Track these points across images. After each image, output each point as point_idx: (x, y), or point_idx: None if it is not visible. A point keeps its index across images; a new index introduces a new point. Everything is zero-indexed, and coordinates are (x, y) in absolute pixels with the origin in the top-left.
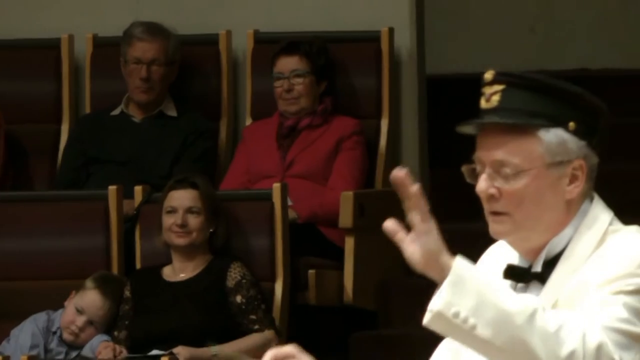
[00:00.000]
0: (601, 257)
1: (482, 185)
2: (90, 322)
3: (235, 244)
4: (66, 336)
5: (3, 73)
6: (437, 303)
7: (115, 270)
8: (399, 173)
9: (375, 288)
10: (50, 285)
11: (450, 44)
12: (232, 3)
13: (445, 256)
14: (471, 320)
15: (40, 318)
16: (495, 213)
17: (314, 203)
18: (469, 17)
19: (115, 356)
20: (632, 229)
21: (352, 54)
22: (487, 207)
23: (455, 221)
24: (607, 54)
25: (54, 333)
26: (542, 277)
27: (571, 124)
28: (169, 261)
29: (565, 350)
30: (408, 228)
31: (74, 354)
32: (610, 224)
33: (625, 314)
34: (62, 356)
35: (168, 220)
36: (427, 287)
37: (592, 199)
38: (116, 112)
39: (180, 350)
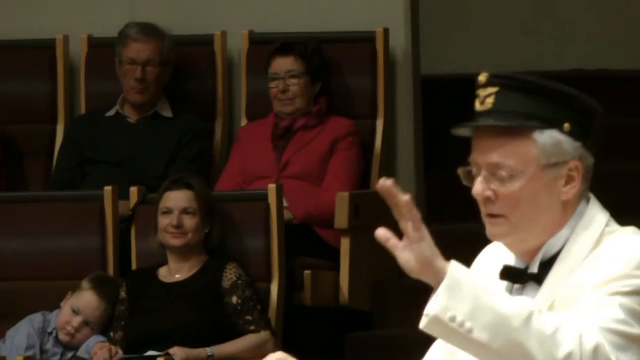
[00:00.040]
0: (597, 258)
1: (478, 187)
2: (86, 323)
3: (231, 244)
4: (62, 337)
5: None
6: (433, 307)
7: (110, 270)
8: (385, 183)
9: (371, 289)
10: (46, 286)
11: (445, 44)
12: (227, 4)
13: (440, 261)
14: (467, 324)
15: (36, 319)
16: (492, 215)
17: (309, 204)
18: (464, 17)
19: (111, 357)
20: (629, 230)
21: (347, 55)
22: (483, 209)
23: (450, 222)
24: (604, 55)
25: (50, 334)
26: (538, 278)
27: (566, 125)
28: (164, 262)
29: (562, 352)
30: (400, 233)
31: (69, 354)
32: (607, 225)
33: (621, 315)
34: (57, 357)
35: (163, 221)
36: (422, 288)
37: (588, 200)
38: (111, 112)
39: (175, 351)
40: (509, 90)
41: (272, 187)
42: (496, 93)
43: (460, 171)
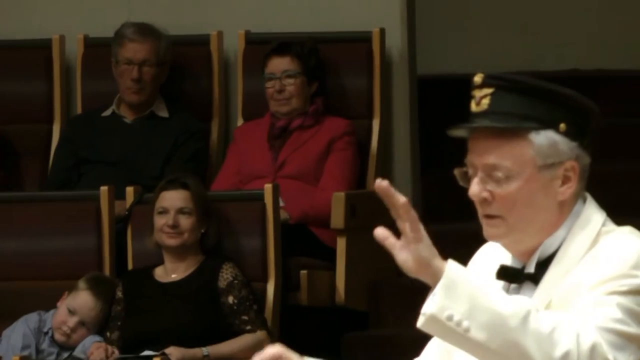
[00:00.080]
0: (594, 258)
1: (475, 189)
2: (82, 323)
3: (227, 244)
4: (58, 337)
5: None
6: (430, 306)
7: (107, 270)
8: (382, 184)
9: (367, 288)
10: (42, 286)
11: (441, 44)
12: (224, 4)
13: (437, 260)
14: (465, 324)
15: (32, 318)
16: (489, 216)
17: (305, 204)
18: (460, 17)
19: (107, 357)
20: (625, 229)
21: (343, 55)
22: (480, 210)
23: (447, 221)
24: (601, 55)
25: (46, 333)
26: (535, 278)
27: (562, 126)
28: (160, 261)
29: (559, 351)
30: (398, 232)
31: (65, 354)
32: (603, 224)
33: (619, 315)
34: (53, 357)
35: (159, 221)
36: (418, 287)
37: (584, 200)
38: (107, 112)
39: (172, 351)
40: (505, 91)
41: (268, 187)
42: (492, 94)
43: (456, 172)
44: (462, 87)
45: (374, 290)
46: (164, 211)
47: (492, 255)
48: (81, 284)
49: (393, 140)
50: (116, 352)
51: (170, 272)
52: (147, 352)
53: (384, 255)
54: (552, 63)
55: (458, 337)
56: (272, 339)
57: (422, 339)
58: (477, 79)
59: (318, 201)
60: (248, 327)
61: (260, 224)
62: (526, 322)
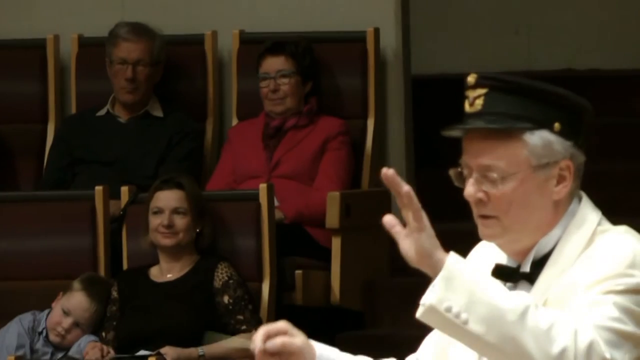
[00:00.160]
0: (590, 258)
1: (470, 190)
2: (76, 324)
3: (222, 244)
4: (52, 337)
5: None
6: (429, 297)
7: (101, 270)
8: (388, 172)
9: (362, 288)
10: (37, 286)
11: (436, 44)
12: (218, 3)
13: (439, 252)
14: (463, 316)
15: (26, 318)
16: (484, 217)
17: (300, 203)
18: (454, 17)
19: (102, 356)
20: (621, 229)
21: (337, 54)
22: (475, 210)
23: (441, 221)
24: (595, 55)
25: (40, 333)
26: (530, 278)
27: (556, 125)
28: (155, 261)
29: (556, 348)
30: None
31: (59, 354)
32: (599, 224)
33: (616, 313)
34: (47, 356)
35: (154, 221)
36: (413, 287)
37: (580, 199)
38: (102, 112)
39: (167, 351)
40: (498, 92)
41: (263, 186)
42: (485, 95)
43: (451, 172)
44: (457, 87)
45: (369, 289)
46: (159, 211)
47: (487, 254)
48: (76, 284)
49: (387, 139)
50: (111, 352)
51: (165, 272)
52: (142, 352)
53: (379, 255)
54: (546, 63)
55: (456, 328)
56: None
57: (418, 338)
58: (471, 79)
59: (313, 201)
60: (243, 327)
61: (255, 224)
62: (524, 318)
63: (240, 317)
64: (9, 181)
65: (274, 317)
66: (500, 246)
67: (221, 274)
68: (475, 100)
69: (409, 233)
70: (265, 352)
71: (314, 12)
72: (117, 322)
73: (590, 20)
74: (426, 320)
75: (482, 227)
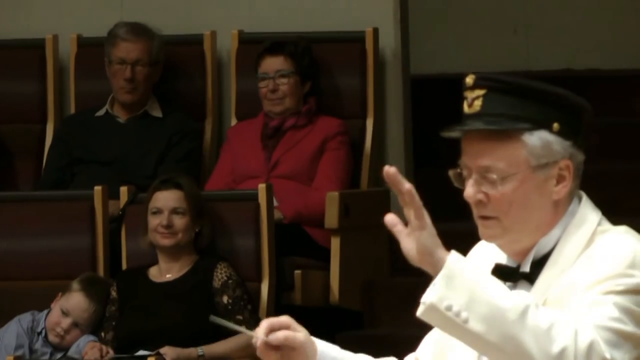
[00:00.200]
0: (590, 258)
1: (470, 191)
2: (75, 324)
3: (221, 244)
4: (52, 338)
5: None
6: (430, 296)
7: (100, 270)
8: (390, 170)
9: (361, 288)
10: (35, 286)
11: (434, 44)
12: (217, 3)
13: (440, 250)
14: (463, 314)
15: (25, 318)
16: (484, 217)
17: (299, 203)
18: (453, 17)
19: (101, 356)
20: (621, 229)
21: (336, 54)
22: (475, 211)
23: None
24: (593, 55)
25: (39, 333)
26: (530, 277)
27: (555, 125)
28: (154, 261)
29: (556, 348)
30: (406, 223)
31: (58, 354)
32: (599, 224)
33: (616, 313)
34: (47, 356)
35: (153, 221)
36: (412, 287)
37: (580, 199)
38: (101, 112)
39: (166, 351)
40: (497, 93)
41: (262, 186)
42: (484, 96)
43: (451, 173)
44: (456, 87)
45: (368, 289)
46: (158, 211)
47: (487, 253)
48: (74, 285)
49: (386, 139)
50: (111, 352)
51: (164, 272)
52: (141, 352)
53: (378, 255)
54: (545, 63)
55: (456, 327)
56: None
57: (417, 338)
58: (469, 80)
59: (312, 201)
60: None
61: (254, 224)
62: (525, 317)
63: (240, 317)
64: (8, 181)
65: (272, 317)
66: (501, 246)
67: (220, 274)
68: (474, 101)
69: (411, 231)
70: (267, 345)
71: (313, 12)
72: (117, 322)
73: (590, 20)
74: (426, 319)
75: (482, 227)
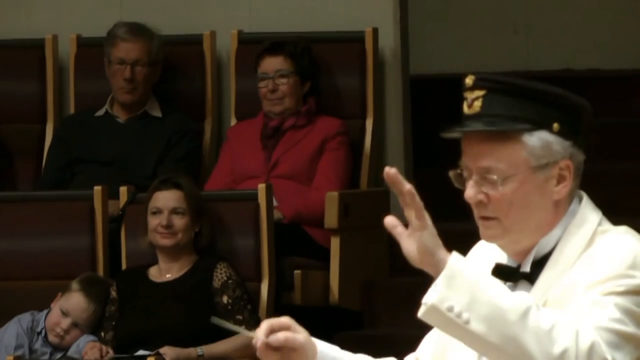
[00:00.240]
0: (590, 259)
1: (470, 192)
2: (75, 325)
3: (221, 244)
4: (51, 338)
5: None
6: (431, 296)
7: (100, 270)
8: (390, 171)
9: (361, 288)
10: (35, 286)
11: (434, 44)
12: (216, 3)
13: (441, 251)
14: (465, 315)
15: (25, 318)
16: (485, 218)
17: (298, 203)
18: (453, 17)
19: (101, 356)
20: (621, 229)
21: (336, 54)
22: (476, 212)
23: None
24: (593, 55)
25: (39, 333)
26: (530, 278)
27: (555, 125)
28: (154, 261)
29: (558, 349)
30: (406, 225)
31: (58, 354)
32: (599, 224)
33: (617, 314)
34: (46, 356)
35: (153, 221)
36: (412, 287)
37: (580, 199)
38: (101, 112)
39: (166, 351)
40: (497, 94)
41: (261, 186)
42: (484, 96)
43: (451, 174)
44: (455, 87)
45: (368, 289)
46: (158, 211)
47: (487, 253)
48: (74, 285)
49: (386, 139)
50: (110, 351)
51: (164, 272)
52: (141, 352)
53: (378, 255)
54: (545, 63)
55: (458, 328)
56: None
57: (417, 338)
58: (468, 81)
59: (311, 201)
60: (242, 327)
61: (254, 224)
62: (526, 318)
63: (239, 317)
64: (8, 181)
65: (272, 317)
66: (501, 246)
67: (220, 274)
68: (473, 102)
69: (412, 232)
70: (268, 346)
71: (313, 12)
72: (116, 322)
73: (590, 20)
74: (427, 320)
75: (483, 228)
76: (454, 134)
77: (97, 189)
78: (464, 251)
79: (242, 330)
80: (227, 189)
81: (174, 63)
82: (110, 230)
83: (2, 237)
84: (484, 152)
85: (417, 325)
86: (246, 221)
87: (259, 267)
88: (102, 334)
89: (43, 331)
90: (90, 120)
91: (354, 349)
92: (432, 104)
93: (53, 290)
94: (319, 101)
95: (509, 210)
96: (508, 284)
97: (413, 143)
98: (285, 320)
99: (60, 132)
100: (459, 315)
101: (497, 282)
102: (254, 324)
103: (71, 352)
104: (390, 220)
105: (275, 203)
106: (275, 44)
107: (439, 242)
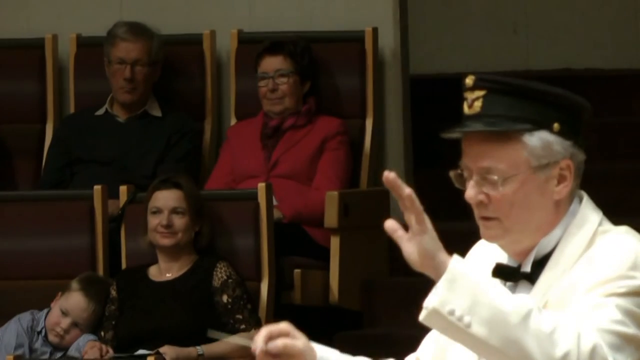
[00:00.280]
0: (591, 259)
1: (471, 192)
2: (75, 324)
3: (221, 243)
4: (52, 338)
5: None
6: (432, 300)
7: (100, 270)
8: (389, 175)
9: (361, 288)
10: (35, 285)
11: (433, 44)
12: (216, 3)
13: (442, 254)
14: (466, 319)
15: (25, 318)
16: (486, 218)
17: (298, 203)
18: (453, 17)
19: (101, 356)
20: (621, 229)
21: (336, 54)
22: (476, 212)
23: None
24: (591, 54)
25: (39, 333)
26: (531, 278)
27: (555, 125)
28: (154, 261)
29: (559, 352)
30: (406, 226)
31: (58, 354)
32: (600, 224)
33: (618, 316)
34: (46, 356)
35: (153, 221)
36: (412, 287)
37: (581, 199)
38: (100, 112)
39: (166, 350)
40: (497, 94)
41: (261, 186)
42: (484, 97)
43: (452, 174)
44: (455, 87)
45: (368, 289)
46: (158, 211)
47: (487, 253)
48: (74, 284)
49: (386, 139)
50: (110, 351)
51: (164, 271)
52: (141, 351)
53: (378, 254)
54: (544, 62)
55: (459, 332)
56: None
57: (416, 338)
58: (469, 81)
59: (311, 200)
60: (242, 326)
61: (254, 223)
62: (527, 321)
63: (239, 317)
64: (8, 181)
65: (272, 316)
66: (502, 246)
67: (220, 273)
68: (474, 102)
69: (412, 236)
70: (267, 353)
71: (312, 11)
72: (116, 322)
73: (589, 19)
74: (429, 324)
75: (483, 228)
76: (454, 135)
77: (97, 188)
78: (464, 251)
79: (240, 339)
80: (227, 189)
81: (174, 63)
82: (110, 229)
83: (2, 237)
84: (484, 153)
85: (417, 325)
86: (246, 221)
87: (258, 266)
88: (102, 333)
89: (43, 330)
90: (90, 120)
91: (354, 348)
92: (432, 104)
93: (53, 290)
94: (318, 101)
95: (510, 210)
96: (508, 284)
97: (413, 143)
98: (284, 326)
99: (60, 132)
100: (460, 319)
101: (498, 285)
102: (253, 323)
103: (71, 351)
104: (390, 224)
105: (275, 202)
106: (275, 43)
107: (440, 246)
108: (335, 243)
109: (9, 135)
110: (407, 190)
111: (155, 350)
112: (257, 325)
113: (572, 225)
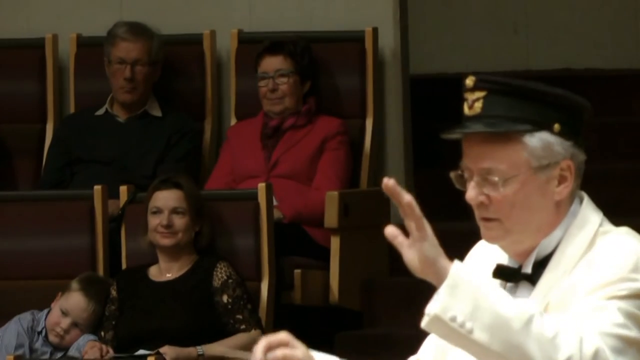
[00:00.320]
0: (592, 261)
1: (472, 193)
2: (75, 324)
3: (221, 244)
4: (52, 338)
5: None
6: (434, 307)
7: (100, 270)
8: (389, 182)
9: (361, 288)
10: (35, 285)
11: (434, 44)
12: (216, 3)
13: (443, 261)
14: (468, 325)
15: (25, 318)
16: (486, 219)
17: (299, 203)
18: (453, 17)
19: (102, 356)
20: (622, 230)
21: (336, 54)
22: (477, 213)
23: (439, 221)
24: (591, 54)
25: (39, 333)
26: (531, 279)
27: (556, 126)
28: (154, 261)
29: (562, 356)
30: (406, 231)
31: (58, 354)
32: (600, 225)
33: (620, 319)
34: (47, 356)
35: (153, 221)
36: (412, 287)
37: (581, 200)
38: (101, 112)
39: (166, 350)
40: (497, 95)
41: (261, 186)
42: (484, 97)
43: (452, 175)
44: (455, 87)
45: (368, 289)
46: (158, 211)
47: (487, 253)
48: (74, 284)
49: (386, 139)
50: (111, 351)
51: (164, 271)
52: (141, 352)
53: (378, 255)
54: (545, 62)
55: (461, 338)
56: None
57: (416, 338)
58: (469, 82)
59: (311, 200)
60: (242, 327)
61: (254, 224)
62: (529, 325)
63: (239, 317)
64: (8, 181)
65: (272, 316)
66: (503, 247)
67: (220, 273)
68: (474, 103)
69: (412, 242)
70: None
71: (313, 11)
72: (116, 322)
73: (589, 19)
74: (431, 330)
75: (484, 229)
76: (454, 135)
77: (97, 188)
78: (464, 251)
79: (238, 353)
80: (227, 189)
81: (174, 63)
82: (110, 229)
83: (3, 237)
84: (484, 154)
85: (417, 325)
86: (246, 221)
87: (259, 266)
88: (102, 333)
89: (43, 331)
90: (90, 120)
91: (354, 348)
92: (432, 104)
93: (53, 290)
94: (319, 101)
95: (511, 211)
96: (509, 285)
97: (413, 143)
98: (283, 336)
99: (60, 132)
100: (462, 325)
101: (500, 290)
102: (254, 323)
103: (71, 351)
104: (390, 231)
105: (275, 202)
106: (275, 43)
107: (440, 251)
108: (335, 243)
109: (9, 135)
110: (407, 197)
111: (155, 351)
112: (257, 325)
113: (572, 226)
